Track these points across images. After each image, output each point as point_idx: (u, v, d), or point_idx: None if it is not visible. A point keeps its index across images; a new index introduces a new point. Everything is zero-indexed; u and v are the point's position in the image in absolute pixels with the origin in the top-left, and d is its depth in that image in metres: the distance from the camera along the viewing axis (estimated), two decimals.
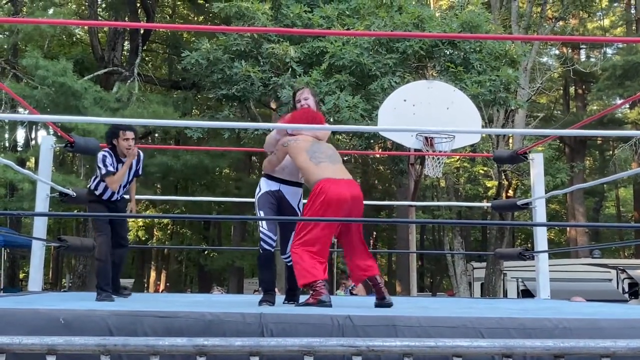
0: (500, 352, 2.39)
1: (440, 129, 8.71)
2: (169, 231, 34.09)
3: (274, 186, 5.16)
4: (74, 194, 7.03)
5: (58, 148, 7.29)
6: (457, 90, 10.35)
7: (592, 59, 30.11)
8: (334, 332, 3.10)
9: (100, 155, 5.75)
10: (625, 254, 32.80)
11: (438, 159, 10.05)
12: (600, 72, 24.86)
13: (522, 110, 18.68)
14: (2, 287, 19.29)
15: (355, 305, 4.90)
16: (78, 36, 24.95)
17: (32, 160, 23.32)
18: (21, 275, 30.19)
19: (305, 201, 5.03)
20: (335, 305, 4.57)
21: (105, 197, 5.81)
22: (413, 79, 13.19)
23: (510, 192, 19.19)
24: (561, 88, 31.44)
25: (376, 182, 28.45)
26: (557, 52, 28.98)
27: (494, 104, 14.42)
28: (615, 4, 31.54)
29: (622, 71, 23.20)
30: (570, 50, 28.85)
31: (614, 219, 35.76)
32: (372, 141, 14.74)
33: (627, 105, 26.90)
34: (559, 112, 31.80)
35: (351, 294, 11.25)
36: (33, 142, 21.67)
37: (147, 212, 28.27)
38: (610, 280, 17.20)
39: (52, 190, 6.87)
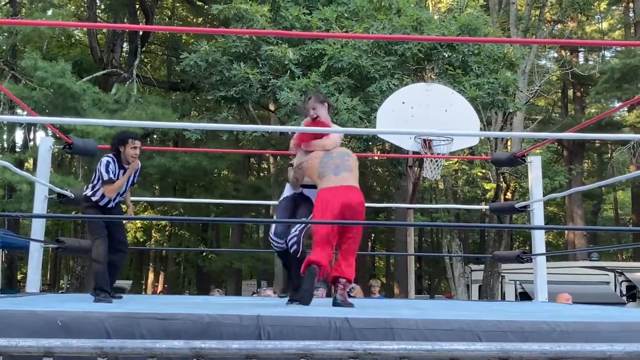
0: (497, 356, 2.39)
1: (438, 132, 8.71)
2: (167, 233, 34.08)
3: (297, 190, 5.63)
4: (72, 195, 7.02)
5: (56, 149, 7.28)
6: (455, 92, 10.36)
7: (591, 62, 30.15)
8: (331, 335, 3.10)
9: (103, 160, 5.74)
10: (623, 256, 32.81)
11: (436, 161, 10.05)
12: (599, 75, 24.89)
13: (521, 113, 18.70)
14: (0, 289, 19.26)
15: (353, 307, 4.90)
16: (77, 37, 24.94)
17: (31, 161, 23.30)
18: (19, 277, 30.15)
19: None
20: (333, 308, 4.59)
21: (101, 203, 5.80)
22: (411, 82, 13.20)
23: (509, 195, 19.20)
24: (559, 91, 31.46)
25: (374, 184, 28.42)
26: (555, 54, 29.01)
27: (492, 106, 14.44)
28: (614, 7, 31.59)
29: (620, 74, 23.22)
30: (568, 53, 28.88)
31: (612, 222, 35.78)
32: (370, 143, 14.74)
33: (626, 108, 26.90)
34: (557, 114, 31.83)
35: (349, 296, 11.23)
36: (31, 143, 21.66)
37: (146, 213, 28.25)
38: (608, 283, 17.22)
39: (51, 191, 6.86)
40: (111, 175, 5.68)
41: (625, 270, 18.11)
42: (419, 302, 6.77)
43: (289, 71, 13.99)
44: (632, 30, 28.82)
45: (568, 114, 30.40)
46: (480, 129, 12.69)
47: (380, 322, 3.25)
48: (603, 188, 31.24)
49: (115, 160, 5.77)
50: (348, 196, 5.01)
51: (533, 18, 21.58)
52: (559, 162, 25.92)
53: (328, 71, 13.72)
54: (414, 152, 10.23)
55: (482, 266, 19.89)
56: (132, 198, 6.47)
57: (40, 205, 6.71)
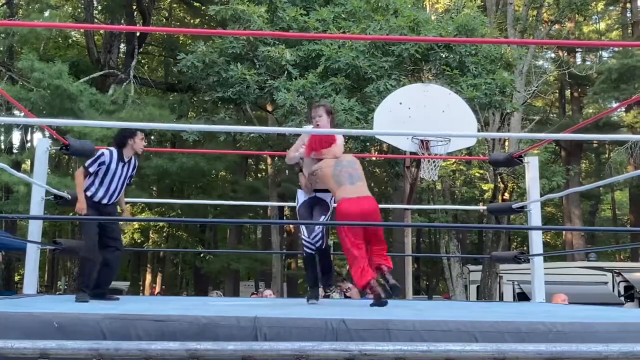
0: (493, 357, 2.39)
1: (435, 132, 8.71)
2: (164, 234, 34.04)
3: (311, 195, 5.94)
4: (69, 196, 7.00)
5: (54, 150, 7.26)
6: (452, 93, 10.37)
7: (588, 62, 30.14)
8: (328, 336, 3.09)
9: (100, 151, 5.80)
10: (621, 257, 32.82)
11: (434, 162, 10.05)
12: (596, 75, 24.91)
13: (518, 113, 18.70)
14: None
15: (349, 309, 4.90)
16: (74, 38, 24.91)
17: (28, 162, 23.28)
18: (16, 278, 30.11)
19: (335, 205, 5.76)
20: (329, 308, 4.59)
21: (95, 199, 5.78)
22: (409, 82, 13.20)
23: (506, 195, 19.20)
24: (557, 91, 31.49)
25: (372, 185, 28.40)
26: (553, 55, 29.03)
27: (489, 107, 14.44)
28: (611, 8, 31.63)
29: (617, 74, 23.23)
30: (566, 54, 28.90)
31: (610, 222, 35.79)
32: (368, 144, 14.74)
33: (623, 109, 26.93)
34: (554, 115, 31.84)
35: (345, 296, 11.22)
36: (29, 144, 21.66)
37: (143, 214, 28.22)
38: (606, 283, 17.21)
39: (48, 193, 6.84)
40: (95, 167, 5.73)
41: (623, 270, 18.10)
42: (416, 303, 6.76)
43: (286, 72, 13.99)
44: (629, 31, 28.87)
45: (565, 114, 30.43)
46: (478, 130, 12.70)
47: (376, 323, 3.24)
48: (601, 188, 31.25)
49: (116, 153, 5.80)
50: (365, 206, 5.47)
51: (530, 18, 21.59)
52: (556, 163, 25.95)
53: (325, 72, 13.72)
54: (411, 153, 10.23)
55: (480, 267, 19.89)
56: (130, 199, 6.47)
57: (37, 206, 6.69)
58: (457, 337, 3.10)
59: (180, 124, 16.43)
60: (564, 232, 30.40)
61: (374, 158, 19.75)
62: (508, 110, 16.43)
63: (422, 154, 9.60)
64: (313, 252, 5.82)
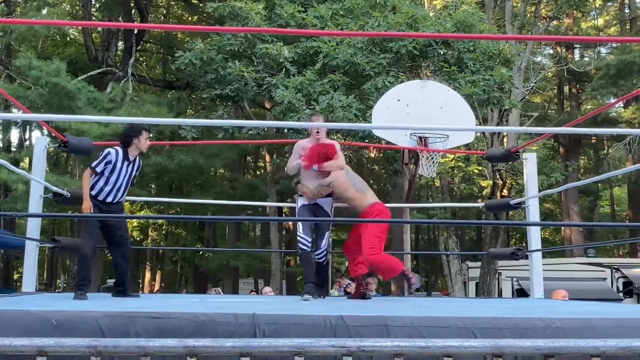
0: (491, 352, 2.39)
1: (433, 127, 8.71)
2: (163, 232, 34.05)
3: (311, 201, 6.24)
4: (68, 194, 7.00)
5: (52, 148, 7.27)
6: (450, 90, 10.36)
7: (586, 59, 30.16)
8: (326, 332, 3.09)
9: (106, 150, 5.81)
10: (620, 253, 32.86)
11: (432, 158, 10.05)
12: (594, 71, 24.89)
13: (516, 109, 18.70)
14: None
15: (348, 305, 4.90)
16: (72, 36, 24.90)
17: (26, 160, 23.28)
18: (15, 276, 30.12)
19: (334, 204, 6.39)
20: (328, 305, 4.60)
21: (100, 197, 5.79)
22: (407, 79, 13.20)
23: (505, 192, 19.20)
24: (555, 87, 31.49)
25: (371, 182, 28.43)
26: (551, 51, 29.02)
27: (488, 103, 14.44)
28: (609, 4, 31.62)
29: (616, 70, 23.22)
30: (564, 50, 28.89)
31: (609, 218, 35.82)
32: (366, 141, 14.74)
33: (622, 105, 26.93)
34: (553, 111, 31.84)
35: (345, 292, 11.24)
36: (27, 142, 21.63)
37: (142, 212, 28.21)
38: (604, 279, 17.22)
39: (46, 190, 6.84)
40: (101, 166, 5.74)
41: (622, 266, 18.11)
42: (414, 300, 6.76)
43: (284, 69, 13.99)
44: (627, 27, 28.84)
45: (564, 110, 30.41)
46: (476, 126, 12.68)
47: (375, 319, 3.24)
48: (599, 184, 31.25)
49: (122, 152, 5.81)
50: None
51: (528, 15, 21.59)
52: (555, 159, 25.96)
53: (323, 69, 13.72)
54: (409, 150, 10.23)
55: (478, 263, 19.90)
56: (129, 198, 6.48)
57: (35, 204, 6.69)
58: (456, 333, 3.10)
59: (179, 119, 16.45)
60: (562, 228, 30.41)
61: (372, 155, 19.75)
62: (506, 107, 16.43)
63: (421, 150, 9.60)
64: (308, 249, 6.12)
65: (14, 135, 23.68)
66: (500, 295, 17.26)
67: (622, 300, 15.93)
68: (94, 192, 5.78)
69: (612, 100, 25.05)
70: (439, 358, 2.47)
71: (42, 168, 6.99)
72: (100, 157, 5.76)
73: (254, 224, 34.53)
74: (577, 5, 21.09)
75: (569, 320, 3.36)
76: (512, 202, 7.82)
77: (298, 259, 6.77)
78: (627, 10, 29.44)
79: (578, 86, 30.09)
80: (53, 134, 7.37)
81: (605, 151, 29.91)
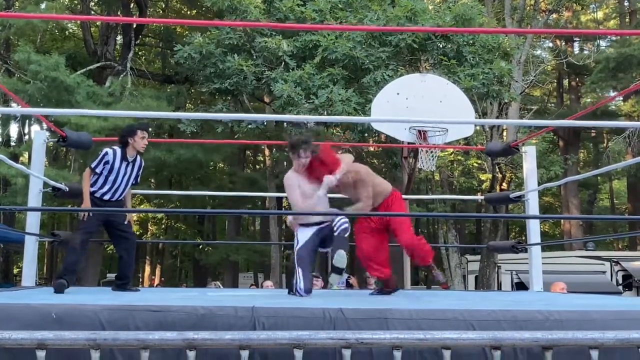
0: (489, 344, 2.40)
1: (433, 120, 8.71)
2: (163, 226, 34.05)
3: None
4: (67, 188, 7.01)
5: (51, 143, 7.27)
6: (450, 83, 10.35)
7: (586, 52, 30.13)
8: (325, 325, 3.10)
9: (104, 150, 5.81)
10: (619, 246, 32.88)
11: (431, 152, 10.05)
12: (594, 64, 24.87)
13: (516, 103, 18.69)
14: None
15: (347, 298, 4.91)
16: (70, 30, 24.85)
17: (26, 155, 23.29)
18: (15, 271, 30.15)
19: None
20: (327, 298, 4.61)
21: (98, 195, 5.81)
22: (406, 72, 13.19)
23: (504, 185, 19.21)
24: (555, 81, 31.45)
25: None
26: (550, 44, 28.98)
27: (487, 97, 14.44)
28: None
29: (615, 63, 23.19)
30: (563, 43, 28.86)
31: (608, 212, 35.82)
32: (366, 135, 14.73)
33: (621, 98, 26.92)
34: (552, 104, 31.82)
35: (347, 283, 11.23)
36: (26, 137, 21.60)
37: (142, 206, 28.22)
38: (604, 272, 17.22)
39: (45, 185, 6.85)
40: (100, 167, 5.75)
41: (621, 259, 18.10)
42: (414, 293, 6.78)
43: (283, 63, 13.97)
44: (627, 20, 28.80)
45: (563, 103, 30.40)
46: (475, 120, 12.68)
47: (374, 312, 3.25)
48: (599, 178, 31.27)
49: (120, 152, 5.81)
50: None
51: (528, 8, 21.56)
52: (554, 152, 25.95)
53: (322, 63, 13.71)
54: (408, 143, 10.23)
55: (478, 257, 19.92)
56: (132, 192, 6.49)
57: (35, 198, 6.70)
58: (455, 326, 3.11)
59: (178, 113, 16.45)
60: (562, 221, 30.42)
61: (372, 148, 19.74)
62: (506, 100, 16.42)
63: (420, 144, 9.60)
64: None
65: (13, 129, 23.65)
66: (499, 288, 17.28)
67: (621, 293, 15.94)
68: (92, 190, 5.80)
69: (612, 94, 25.05)
70: (437, 350, 2.48)
71: (41, 162, 6.99)
72: (99, 157, 5.79)
73: (254, 218, 34.56)
74: None
75: (568, 312, 3.37)
76: (512, 195, 7.83)
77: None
78: (626, 3, 29.39)
79: (578, 79, 30.06)
80: (52, 129, 7.37)
81: (605, 144, 29.92)
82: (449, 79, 11.67)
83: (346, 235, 5.29)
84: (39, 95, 15.84)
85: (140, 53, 24.61)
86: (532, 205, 7.37)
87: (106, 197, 5.85)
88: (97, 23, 22.81)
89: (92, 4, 23.45)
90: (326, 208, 5.58)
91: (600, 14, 31.97)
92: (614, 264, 17.50)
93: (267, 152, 24.23)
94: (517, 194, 7.78)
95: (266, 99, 17.76)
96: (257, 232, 34.53)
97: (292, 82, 13.26)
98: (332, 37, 13.56)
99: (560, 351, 2.59)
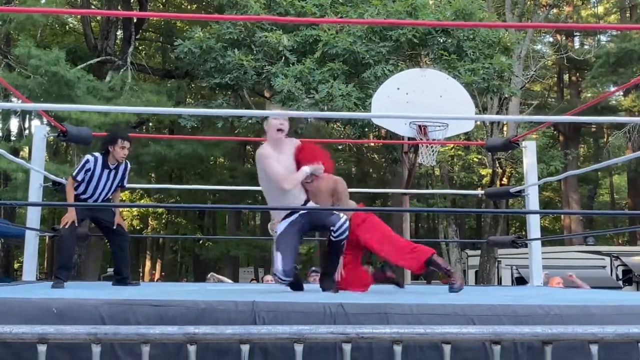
0: (489, 339, 2.40)
1: (433, 116, 8.71)
2: (163, 220, 34.06)
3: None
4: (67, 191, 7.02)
5: (51, 137, 7.27)
6: (450, 78, 10.36)
7: (586, 47, 30.09)
8: (325, 320, 3.11)
9: (85, 157, 5.80)
10: (620, 241, 32.89)
11: (432, 147, 10.06)
12: (594, 59, 24.85)
13: (516, 98, 18.68)
14: None
15: (347, 294, 4.92)
16: (71, 25, 24.82)
17: (26, 150, 23.30)
18: (16, 266, 30.16)
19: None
20: (328, 294, 4.63)
21: (83, 197, 5.84)
22: (406, 67, 13.18)
23: (505, 180, 19.23)
24: (555, 76, 31.43)
25: (370, 170, 28.44)
26: (551, 39, 28.96)
27: (487, 91, 14.44)
28: None
29: (615, 58, 23.18)
30: (564, 38, 28.82)
31: (608, 207, 35.81)
32: (366, 130, 14.73)
33: (621, 93, 26.90)
34: (553, 99, 31.81)
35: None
36: (26, 131, 21.61)
37: (142, 201, 28.24)
38: (604, 267, 17.25)
39: (46, 179, 6.85)
40: (81, 175, 5.74)
41: (621, 254, 18.14)
42: (414, 288, 6.78)
43: (283, 58, 13.97)
44: (627, 14, 28.78)
45: (564, 98, 30.38)
46: (476, 115, 12.69)
47: (374, 307, 3.25)
48: (599, 173, 31.27)
49: (101, 159, 5.81)
50: None
51: (528, 2, 21.54)
52: (554, 147, 25.94)
53: (323, 57, 13.70)
54: (409, 138, 10.23)
55: (478, 252, 19.94)
56: (129, 185, 6.49)
57: (35, 193, 6.70)
58: (455, 321, 3.11)
59: (178, 109, 16.43)
60: (562, 216, 30.43)
61: (372, 144, 19.75)
62: (506, 95, 16.42)
63: (420, 139, 9.60)
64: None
65: (14, 124, 23.67)
66: (499, 283, 17.30)
67: (621, 288, 15.96)
68: (77, 191, 5.84)
69: (612, 89, 25.02)
70: (437, 344, 2.48)
71: (41, 157, 6.99)
72: (80, 165, 5.79)
73: (254, 212, 34.55)
74: None
75: (568, 307, 3.37)
76: (512, 190, 7.83)
77: (301, 249, 5.09)
78: None
79: (578, 74, 30.03)
80: (52, 123, 7.37)
81: (605, 139, 29.91)
82: (449, 73, 11.67)
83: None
84: (40, 90, 15.83)
85: (140, 48, 24.59)
86: (533, 200, 7.36)
87: (90, 201, 5.90)
88: (98, 17, 22.78)
89: None
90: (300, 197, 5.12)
91: (600, 9, 31.92)
92: (614, 259, 17.53)
93: None
94: (518, 188, 7.77)
95: (266, 94, 17.76)
96: (258, 227, 34.54)
97: (293, 76, 13.26)
98: (333, 32, 13.56)
99: (560, 346, 2.59)
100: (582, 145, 33.29)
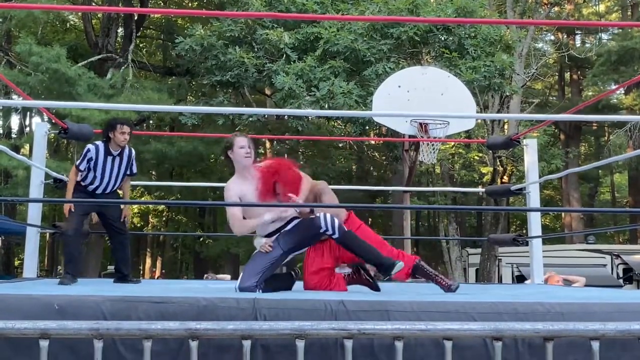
0: (491, 335, 2.40)
1: (434, 114, 8.71)
2: (164, 218, 34.06)
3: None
4: (69, 180, 7.02)
5: (52, 134, 7.28)
6: (451, 76, 10.36)
7: (587, 45, 30.06)
8: (327, 317, 3.11)
9: (87, 146, 5.83)
10: (620, 239, 32.89)
11: (432, 145, 10.05)
12: (596, 57, 24.83)
13: (517, 96, 18.68)
14: None
15: (349, 291, 4.92)
16: (72, 22, 24.80)
17: (27, 147, 23.32)
18: (16, 263, 30.17)
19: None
20: (328, 291, 4.63)
21: (90, 188, 5.85)
22: (407, 65, 13.19)
23: (505, 179, 19.21)
24: (556, 74, 31.42)
25: (371, 168, 28.44)
26: (552, 37, 28.94)
27: (488, 89, 14.43)
28: None
29: (617, 57, 23.17)
30: (565, 36, 28.80)
31: (609, 205, 35.78)
32: (367, 127, 14.73)
33: (622, 91, 26.88)
34: (554, 98, 31.79)
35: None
36: (27, 129, 21.61)
37: (142, 198, 28.24)
38: (604, 265, 17.25)
39: (47, 176, 6.86)
40: (84, 164, 5.78)
41: (622, 253, 18.13)
42: (415, 286, 6.79)
43: (284, 55, 13.96)
44: (628, 12, 28.75)
45: (565, 96, 30.37)
46: (477, 113, 12.68)
47: (375, 304, 3.26)
48: (600, 171, 31.25)
49: (103, 147, 5.83)
50: None
51: (530, 0, 21.52)
52: (555, 146, 25.93)
53: (324, 55, 13.70)
54: (410, 136, 10.23)
55: (479, 250, 19.93)
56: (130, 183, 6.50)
57: (36, 190, 6.71)
58: (455, 318, 3.12)
59: (179, 107, 16.46)
60: (563, 215, 30.42)
61: (373, 142, 19.75)
62: (507, 93, 16.41)
63: (421, 137, 9.60)
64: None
65: (14, 121, 23.69)
66: (500, 281, 17.31)
67: (622, 286, 15.95)
68: (84, 183, 5.88)
69: (613, 87, 25.02)
70: (439, 341, 2.49)
71: (42, 154, 6.99)
72: (82, 155, 5.84)
73: None
74: None
75: (569, 305, 3.37)
76: (513, 188, 7.83)
77: None
78: None
79: (579, 72, 30.02)
80: (53, 121, 7.37)
81: (606, 138, 29.89)
82: (450, 71, 11.66)
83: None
84: (40, 87, 15.84)
85: (141, 45, 24.57)
86: (533, 198, 7.37)
87: (98, 191, 5.91)
88: (99, 15, 22.76)
89: None
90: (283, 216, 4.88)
91: (602, 7, 31.89)
92: (614, 257, 17.52)
93: (268, 144, 24.21)
94: (519, 186, 7.78)
95: (267, 92, 17.76)
96: None
97: (294, 74, 13.26)
98: (334, 30, 13.56)
99: (562, 342, 2.59)
100: (583, 144, 33.30)
